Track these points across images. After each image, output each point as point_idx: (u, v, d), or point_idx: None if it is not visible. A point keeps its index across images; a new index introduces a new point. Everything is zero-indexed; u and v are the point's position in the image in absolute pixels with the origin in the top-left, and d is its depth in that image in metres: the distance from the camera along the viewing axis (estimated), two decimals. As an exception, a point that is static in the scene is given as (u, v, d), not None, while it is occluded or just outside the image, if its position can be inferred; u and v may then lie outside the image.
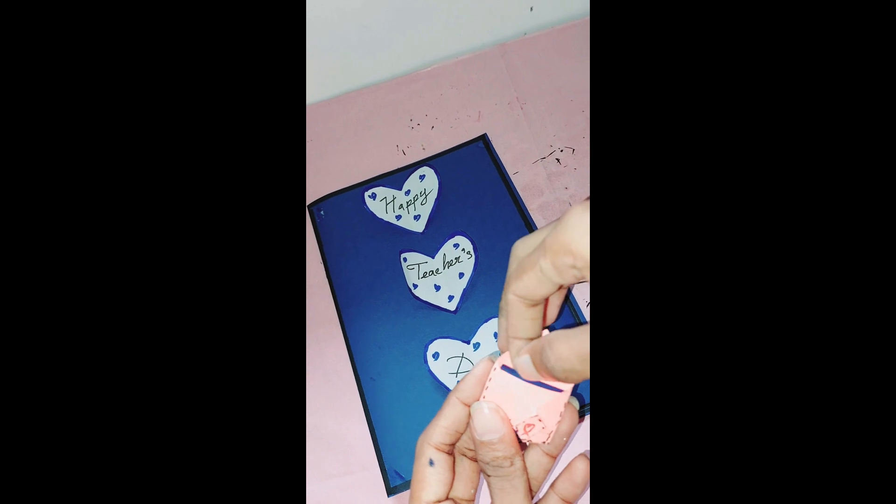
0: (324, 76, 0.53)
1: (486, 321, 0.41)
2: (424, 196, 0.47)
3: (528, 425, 0.28)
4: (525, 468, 0.29)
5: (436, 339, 0.41)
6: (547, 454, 0.31)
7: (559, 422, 0.29)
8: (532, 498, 0.29)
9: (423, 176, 0.48)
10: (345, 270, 0.46)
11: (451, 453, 0.30)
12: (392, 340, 0.42)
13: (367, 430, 0.40)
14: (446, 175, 0.48)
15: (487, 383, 0.29)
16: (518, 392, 0.28)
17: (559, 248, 0.24)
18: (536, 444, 0.30)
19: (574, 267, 0.23)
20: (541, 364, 0.26)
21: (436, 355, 0.41)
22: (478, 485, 0.32)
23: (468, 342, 0.41)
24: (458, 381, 0.32)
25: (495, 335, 0.40)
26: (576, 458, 0.30)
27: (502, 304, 0.28)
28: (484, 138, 0.49)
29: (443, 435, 0.30)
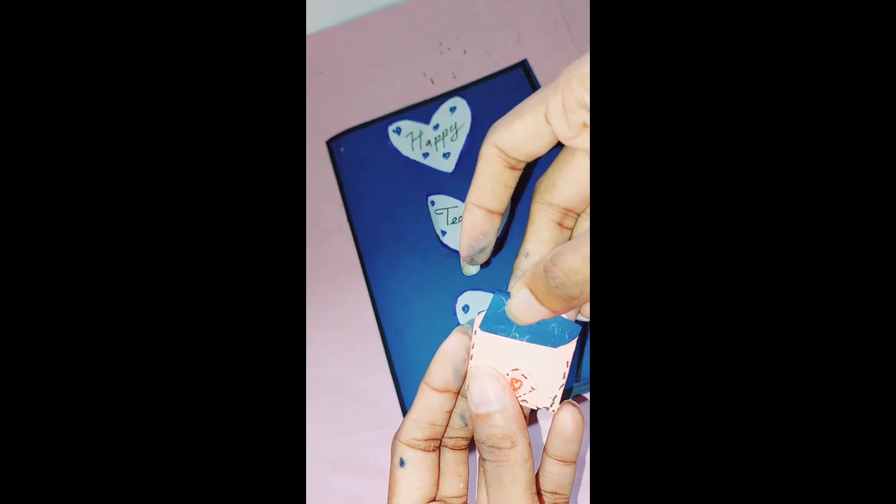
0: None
1: (522, 273, 0.39)
2: (455, 131, 0.45)
3: (514, 381, 0.26)
4: (530, 458, 0.25)
5: (466, 290, 0.40)
6: (560, 461, 0.27)
7: (561, 385, 0.26)
8: (537, 500, 0.25)
9: (454, 108, 0.46)
10: (367, 214, 0.44)
11: (430, 449, 0.27)
12: (418, 291, 0.41)
13: (392, 385, 0.40)
14: (480, 107, 0.45)
15: (472, 351, 0.27)
16: (507, 353, 0.26)
17: (581, 79, 0.21)
18: (537, 408, 0.27)
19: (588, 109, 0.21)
20: (547, 289, 0.22)
21: (465, 308, 0.40)
22: (467, 479, 0.29)
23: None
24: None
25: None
26: (560, 407, 0.26)
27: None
28: (524, 64, 0.47)
29: (413, 429, 0.26)
